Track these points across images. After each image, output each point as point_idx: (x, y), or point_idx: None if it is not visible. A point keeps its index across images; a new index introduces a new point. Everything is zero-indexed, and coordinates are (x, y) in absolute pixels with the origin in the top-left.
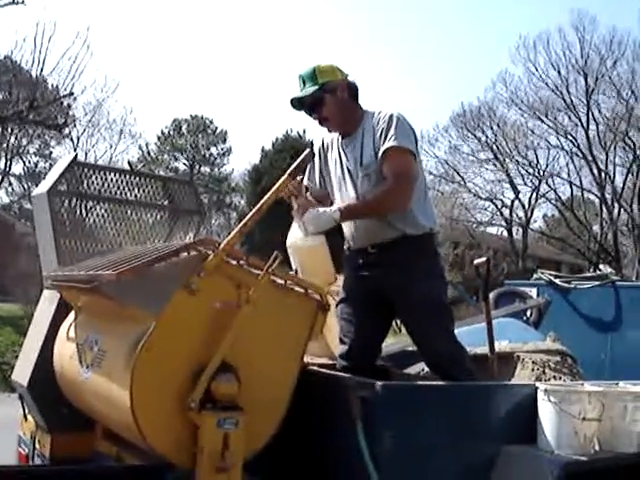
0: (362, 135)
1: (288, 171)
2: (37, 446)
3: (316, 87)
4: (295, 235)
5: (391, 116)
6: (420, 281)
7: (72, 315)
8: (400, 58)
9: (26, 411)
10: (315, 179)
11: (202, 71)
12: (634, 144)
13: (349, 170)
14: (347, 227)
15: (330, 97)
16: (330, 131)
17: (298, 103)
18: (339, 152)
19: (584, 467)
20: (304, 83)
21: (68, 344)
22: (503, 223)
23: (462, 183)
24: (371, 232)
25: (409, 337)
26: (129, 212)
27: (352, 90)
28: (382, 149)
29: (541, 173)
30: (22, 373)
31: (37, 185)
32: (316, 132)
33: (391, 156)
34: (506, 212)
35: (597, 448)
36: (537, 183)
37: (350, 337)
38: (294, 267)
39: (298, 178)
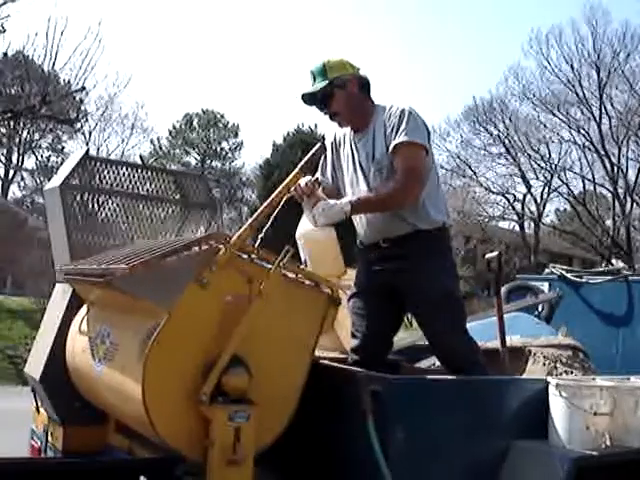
0: (374, 130)
1: (299, 165)
2: (50, 439)
3: (326, 82)
4: (305, 226)
5: (402, 110)
6: (432, 275)
7: (84, 309)
8: (412, 52)
9: (39, 404)
10: (327, 174)
11: (213, 65)
12: None
13: (361, 165)
14: (359, 222)
15: (340, 92)
16: (341, 126)
17: (309, 98)
18: (351, 147)
19: (595, 462)
20: (314, 78)
21: (80, 337)
22: (515, 217)
23: (474, 177)
24: (383, 227)
25: (420, 331)
26: (141, 206)
27: (363, 84)
28: (393, 144)
29: (553, 167)
30: (35, 366)
31: (49, 179)
32: (328, 126)
33: (402, 151)
34: (518, 206)
35: (608, 443)
36: (549, 177)
37: (362, 331)
38: (303, 258)
39: (312, 176)
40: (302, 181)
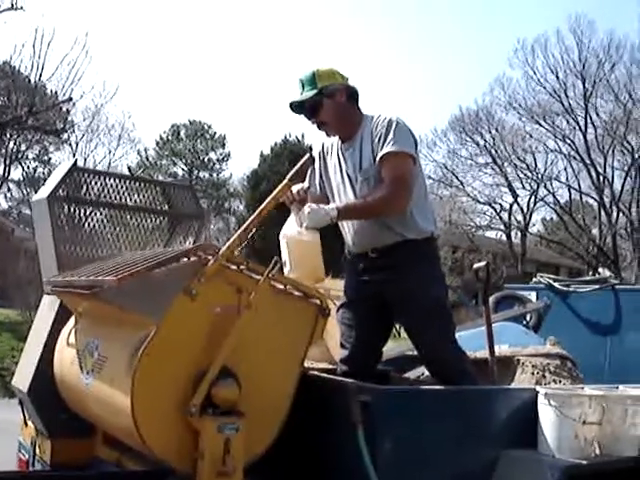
0: (361, 139)
1: (288, 176)
2: (37, 452)
3: (315, 91)
4: (290, 227)
5: (390, 120)
6: (421, 285)
7: (72, 321)
8: (398, 62)
9: (26, 417)
10: (315, 183)
11: (200, 76)
12: (632, 147)
13: (348, 175)
14: (347, 231)
15: (329, 101)
16: (329, 135)
17: (297, 107)
18: (338, 157)
19: (585, 471)
20: (303, 87)
21: (68, 350)
22: (502, 227)
23: (461, 187)
24: (371, 236)
25: (409, 341)
26: (129, 217)
27: (352, 94)
28: (380, 154)
29: (539, 177)
30: (22, 379)
31: (36, 190)
32: (315, 137)
33: (389, 160)
34: (505, 216)
35: (597, 452)
36: (535, 187)
37: (351, 342)
38: (284, 259)
39: (300, 185)
40: (293, 188)
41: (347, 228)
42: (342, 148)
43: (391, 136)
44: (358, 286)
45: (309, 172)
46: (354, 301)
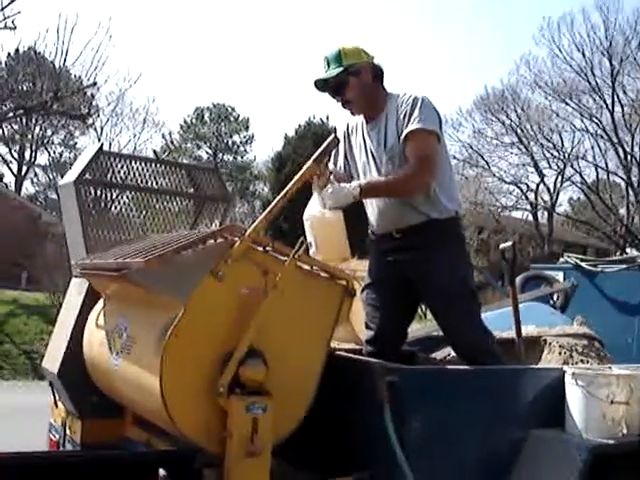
0: (386, 118)
1: (312, 158)
2: (68, 432)
3: (341, 69)
4: (313, 208)
5: (415, 98)
6: (445, 265)
7: (101, 303)
8: (422, 41)
9: (56, 398)
10: (339, 162)
11: (224, 59)
12: None
13: (373, 153)
14: (372, 212)
15: (354, 79)
16: (353, 114)
17: (322, 85)
18: (363, 136)
19: (612, 450)
20: (329, 65)
21: (97, 331)
22: (528, 207)
23: (486, 167)
24: (396, 217)
25: (435, 322)
26: (155, 200)
27: (377, 73)
28: (405, 132)
29: (566, 156)
30: (52, 360)
31: (62, 175)
32: (339, 118)
33: (414, 138)
34: (531, 196)
35: (625, 431)
36: (562, 166)
37: (376, 322)
38: (308, 240)
39: (324, 164)
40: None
41: (371, 208)
42: (367, 127)
43: (416, 114)
44: (382, 267)
45: (333, 152)
46: (379, 282)
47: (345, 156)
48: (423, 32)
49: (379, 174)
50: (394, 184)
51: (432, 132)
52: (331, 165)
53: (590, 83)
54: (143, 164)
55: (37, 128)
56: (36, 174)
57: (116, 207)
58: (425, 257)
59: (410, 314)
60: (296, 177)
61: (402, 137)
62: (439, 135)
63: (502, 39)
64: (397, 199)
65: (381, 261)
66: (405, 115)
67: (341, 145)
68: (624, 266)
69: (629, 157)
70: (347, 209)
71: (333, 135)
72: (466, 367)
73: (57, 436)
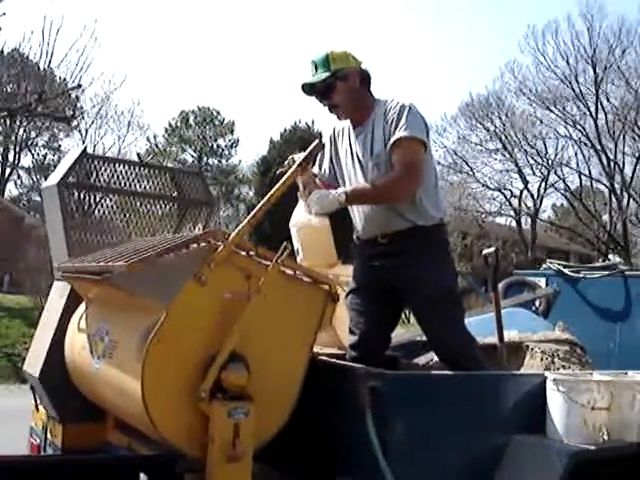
0: (373, 124)
1: (297, 162)
2: (49, 436)
3: (328, 73)
4: (299, 215)
5: (402, 106)
6: (430, 271)
7: (83, 306)
8: (407, 48)
9: (37, 402)
10: (325, 166)
11: (209, 62)
12: None
13: (359, 159)
14: (357, 217)
15: (342, 84)
16: (340, 119)
17: (309, 89)
18: (349, 141)
19: (593, 456)
20: (316, 68)
21: (79, 335)
22: (512, 213)
23: (471, 173)
24: (381, 222)
25: (418, 327)
26: (138, 204)
27: (365, 78)
28: (393, 139)
29: (550, 163)
30: (33, 364)
31: (46, 177)
32: (325, 122)
33: (401, 146)
34: (515, 202)
35: (606, 437)
36: (546, 173)
37: (360, 327)
38: (295, 247)
39: (309, 168)
40: (301, 174)
41: (357, 214)
42: (354, 132)
43: (403, 121)
44: (367, 272)
45: (319, 157)
46: (363, 287)
47: (331, 160)
48: (407, 38)
49: (365, 180)
50: (380, 191)
51: (419, 140)
52: (316, 169)
53: (574, 90)
54: (127, 167)
55: (21, 130)
56: (19, 176)
57: (99, 210)
58: (410, 263)
59: (394, 320)
60: (280, 181)
61: (389, 144)
62: (425, 143)
63: (487, 46)
64: (383, 205)
65: (366, 266)
66: (392, 122)
67: (327, 148)
68: (606, 272)
69: (612, 164)
70: (332, 214)
71: (318, 140)
72: (448, 372)
73: (38, 440)
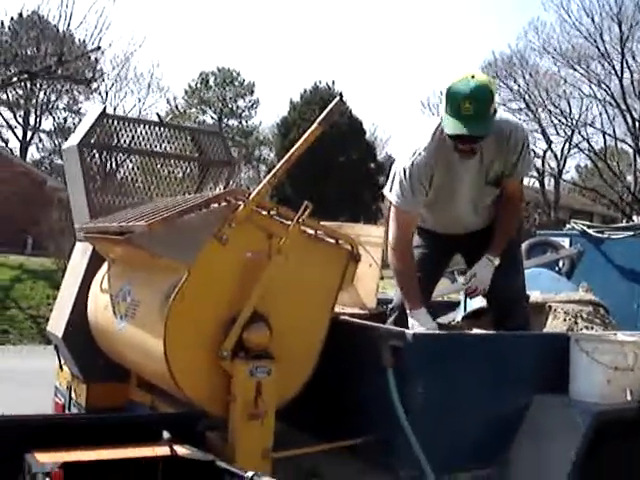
0: (481, 149)
1: (317, 121)
2: (73, 396)
3: (493, 119)
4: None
5: (524, 142)
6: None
7: (105, 266)
8: (429, 8)
9: (62, 362)
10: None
11: (228, 22)
12: None
13: (467, 180)
14: (440, 218)
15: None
16: (464, 157)
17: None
18: (456, 165)
19: (615, 416)
20: (481, 109)
21: (102, 295)
22: (535, 174)
23: None
24: (470, 224)
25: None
26: (159, 164)
27: None
28: (522, 174)
29: (574, 123)
30: (57, 324)
31: (67, 140)
32: (345, 84)
33: (521, 182)
34: (538, 162)
35: (629, 398)
36: (570, 133)
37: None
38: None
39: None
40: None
41: (442, 216)
42: (459, 155)
43: (528, 158)
44: (438, 246)
45: (417, 188)
46: (427, 248)
47: (430, 185)
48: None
49: (472, 204)
50: (510, 229)
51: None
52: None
53: (599, 49)
54: (147, 127)
55: (41, 93)
56: (41, 139)
57: (120, 171)
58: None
59: (438, 277)
60: (300, 140)
61: (516, 176)
62: None
63: (510, 4)
64: (479, 216)
65: (437, 244)
66: (518, 156)
67: (426, 175)
68: (631, 233)
69: (637, 124)
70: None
71: (337, 99)
72: (470, 332)
73: (62, 400)
